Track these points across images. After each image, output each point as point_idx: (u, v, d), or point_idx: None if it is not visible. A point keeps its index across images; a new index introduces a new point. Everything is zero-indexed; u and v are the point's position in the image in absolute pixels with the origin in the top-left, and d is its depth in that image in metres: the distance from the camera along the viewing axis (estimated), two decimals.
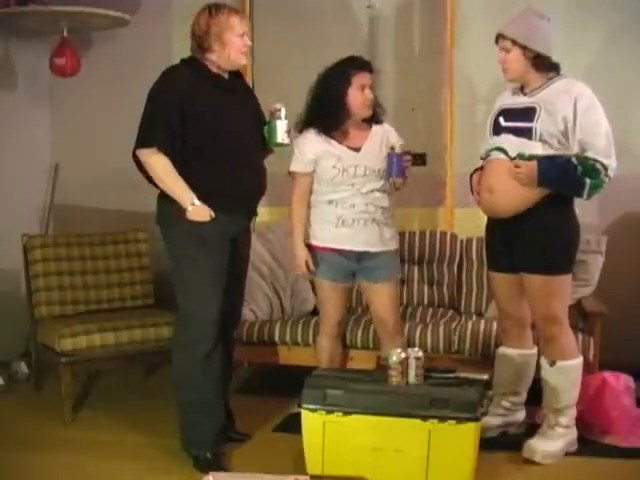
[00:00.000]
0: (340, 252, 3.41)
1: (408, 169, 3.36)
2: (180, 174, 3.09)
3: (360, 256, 3.42)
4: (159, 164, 3.09)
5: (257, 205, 3.34)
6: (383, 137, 3.41)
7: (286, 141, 3.26)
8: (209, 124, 3.10)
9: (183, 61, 3.21)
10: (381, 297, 3.48)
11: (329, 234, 3.41)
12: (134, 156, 3.17)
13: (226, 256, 3.18)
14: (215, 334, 3.16)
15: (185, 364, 3.18)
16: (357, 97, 3.31)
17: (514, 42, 3.08)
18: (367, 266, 3.43)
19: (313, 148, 3.37)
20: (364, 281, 3.50)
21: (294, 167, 3.43)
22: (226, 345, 3.31)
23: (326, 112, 3.33)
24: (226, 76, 3.22)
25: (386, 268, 3.44)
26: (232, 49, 3.13)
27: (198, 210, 3.08)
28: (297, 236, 3.48)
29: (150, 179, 3.17)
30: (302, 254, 3.46)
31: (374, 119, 3.42)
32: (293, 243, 3.51)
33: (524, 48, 3.08)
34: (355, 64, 3.33)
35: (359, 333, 3.81)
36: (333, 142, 3.37)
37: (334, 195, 3.38)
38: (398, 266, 3.60)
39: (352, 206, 3.35)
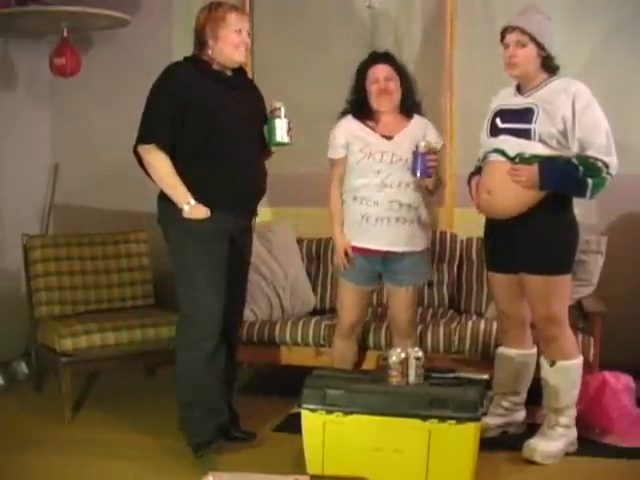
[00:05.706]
0: (364, 253, 3.39)
1: (435, 169, 3.33)
2: (179, 171, 3.09)
3: (385, 257, 3.40)
4: (157, 162, 3.10)
5: (257, 205, 3.32)
6: (422, 130, 3.40)
7: (286, 140, 3.21)
8: (209, 120, 3.08)
9: (186, 59, 3.23)
10: (401, 299, 3.48)
11: (353, 233, 3.40)
12: (135, 152, 3.16)
13: (225, 254, 3.16)
14: (218, 333, 3.16)
15: (189, 364, 3.17)
16: (371, 90, 3.38)
17: (532, 38, 3.02)
18: (392, 269, 3.42)
19: (344, 132, 3.43)
20: (389, 283, 3.50)
21: (329, 154, 3.48)
22: (229, 346, 3.30)
23: (354, 102, 3.44)
24: (229, 73, 3.22)
25: (411, 272, 3.43)
26: (225, 44, 3.13)
27: (194, 209, 3.08)
28: (335, 223, 3.46)
29: (150, 175, 3.16)
30: (340, 242, 3.43)
31: (407, 111, 3.42)
32: (332, 231, 3.48)
33: (540, 46, 3.03)
34: (369, 59, 3.44)
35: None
36: (366, 128, 3.40)
37: (358, 182, 3.35)
38: (426, 268, 3.57)
39: (376, 204, 3.33)
